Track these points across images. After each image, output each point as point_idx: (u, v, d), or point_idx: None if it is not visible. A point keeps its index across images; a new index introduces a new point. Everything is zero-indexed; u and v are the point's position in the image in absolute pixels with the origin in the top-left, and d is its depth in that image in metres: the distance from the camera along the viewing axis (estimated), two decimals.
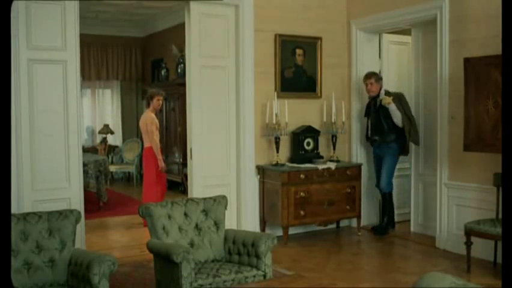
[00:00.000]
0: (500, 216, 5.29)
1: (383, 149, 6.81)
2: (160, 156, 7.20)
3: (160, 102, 7.41)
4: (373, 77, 6.76)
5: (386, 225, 6.85)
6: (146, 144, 7.38)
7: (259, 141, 6.60)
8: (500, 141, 5.10)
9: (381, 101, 6.66)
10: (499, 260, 5.27)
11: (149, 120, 7.31)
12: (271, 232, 6.11)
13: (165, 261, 3.94)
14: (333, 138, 6.97)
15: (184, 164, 8.75)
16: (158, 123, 7.36)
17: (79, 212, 4.14)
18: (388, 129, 6.69)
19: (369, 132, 6.96)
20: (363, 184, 6.99)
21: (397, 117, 6.58)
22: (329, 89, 7.03)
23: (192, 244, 4.30)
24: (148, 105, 7.46)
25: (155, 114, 7.46)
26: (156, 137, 7.25)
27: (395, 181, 7.55)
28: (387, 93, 6.73)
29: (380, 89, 6.75)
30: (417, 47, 6.92)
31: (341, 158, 7.02)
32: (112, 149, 12.38)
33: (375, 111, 6.77)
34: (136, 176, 11.95)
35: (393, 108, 6.58)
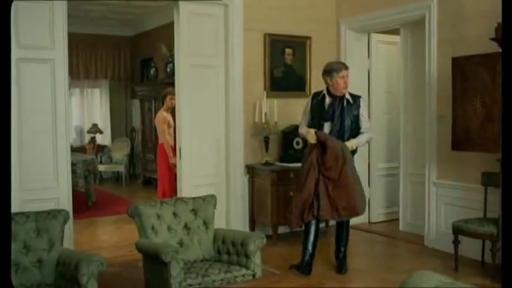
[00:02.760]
0: (487, 215, 5.33)
1: None
2: (170, 154, 7.26)
3: (173, 101, 7.43)
4: (347, 68, 5.30)
5: (344, 259, 5.43)
6: (160, 141, 7.54)
7: (248, 141, 6.60)
8: (487, 140, 5.15)
9: (348, 102, 5.22)
10: (487, 259, 5.30)
11: (160, 119, 7.46)
12: (261, 231, 6.11)
13: (154, 261, 3.93)
14: None
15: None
16: (171, 121, 7.38)
17: (67, 212, 4.12)
18: (352, 138, 5.22)
19: None
20: None
21: (369, 138, 5.47)
22: (318, 88, 7.01)
23: (181, 244, 4.29)
24: (163, 104, 7.59)
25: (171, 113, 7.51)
26: (168, 135, 7.36)
27: (383, 180, 7.61)
28: (354, 94, 5.39)
29: None
30: (406, 47, 6.95)
31: None
32: (100, 148, 12.33)
33: (340, 116, 5.19)
34: (125, 176, 11.91)
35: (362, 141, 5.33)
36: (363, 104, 5.31)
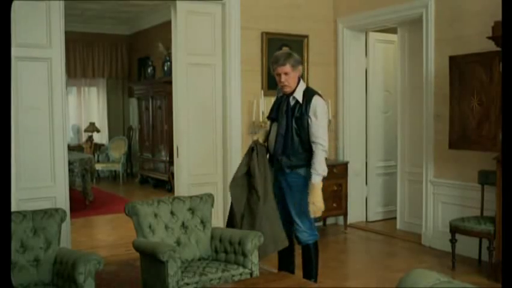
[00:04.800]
0: (484, 213, 5.35)
1: (289, 176, 4.35)
2: None
3: None
4: (288, 61, 4.26)
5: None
6: None
7: (246, 139, 6.57)
8: (484, 138, 5.16)
9: (296, 101, 4.31)
10: (484, 257, 5.32)
11: None
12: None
13: (151, 260, 3.92)
14: None
15: (171, 163, 8.73)
16: None
17: (64, 211, 4.10)
18: (300, 148, 4.29)
19: (269, 146, 4.48)
20: (349, 182, 7.01)
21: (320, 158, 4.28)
22: (316, 87, 6.93)
23: (178, 243, 4.28)
24: None
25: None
26: None
27: (381, 179, 7.60)
28: (309, 91, 4.39)
29: (298, 82, 4.36)
30: (403, 46, 6.95)
31: (328, 156, 7.00)
32: (98, 147, 12.31)
33: (286, 115, 4.30)
34: (123, 175, 11.89)
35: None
36: (316, 103, 4.25)
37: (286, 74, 4.25)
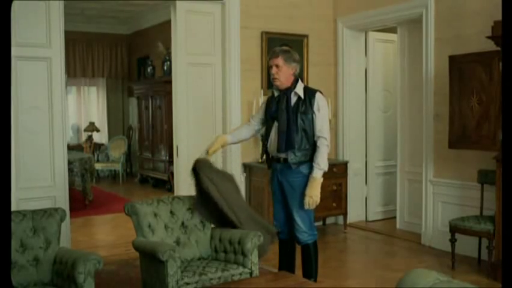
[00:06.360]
0: (484, 213, 5.35)
1: (291, 175, 4.33)
2: None
3: None
4: (282, 54, 4.30)
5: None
6: None
7: None
8: (484, 138, 5.16)
9: (298, 97, 4.30)
10: (483, 256, 5.32)
11: None
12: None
13: (151, 260, 3.92)
14: None
15: (171, 162, 8.73)
16: None
17: (64, 211, 4.10)
18: (306, 143, 4.29)
19: (271, 146, 4.44)
20: (349, 181, 7.01)
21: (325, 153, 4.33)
22: (315, 86, 6.88)
23: (178, 242, 4.28)
24: None
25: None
26: None
27: (381, 178, 7.60)
28: (310, 88, 4.45)
29: (296, 79, 4.34)
30: (403, 45, 6.95)
31: (328, 155, 7.01)
32: (97, 146, 12.31)
33: (287, 111, 4.26)
34: (122, 174, 11.89)
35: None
36: (319, 100, 4.30)
37: (277, 66, 4.27)
